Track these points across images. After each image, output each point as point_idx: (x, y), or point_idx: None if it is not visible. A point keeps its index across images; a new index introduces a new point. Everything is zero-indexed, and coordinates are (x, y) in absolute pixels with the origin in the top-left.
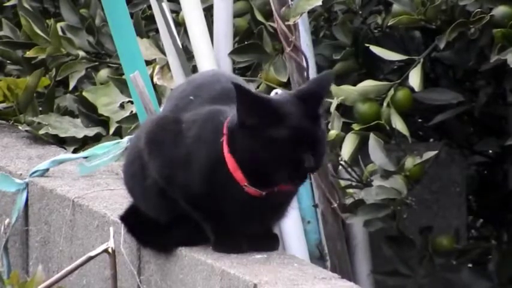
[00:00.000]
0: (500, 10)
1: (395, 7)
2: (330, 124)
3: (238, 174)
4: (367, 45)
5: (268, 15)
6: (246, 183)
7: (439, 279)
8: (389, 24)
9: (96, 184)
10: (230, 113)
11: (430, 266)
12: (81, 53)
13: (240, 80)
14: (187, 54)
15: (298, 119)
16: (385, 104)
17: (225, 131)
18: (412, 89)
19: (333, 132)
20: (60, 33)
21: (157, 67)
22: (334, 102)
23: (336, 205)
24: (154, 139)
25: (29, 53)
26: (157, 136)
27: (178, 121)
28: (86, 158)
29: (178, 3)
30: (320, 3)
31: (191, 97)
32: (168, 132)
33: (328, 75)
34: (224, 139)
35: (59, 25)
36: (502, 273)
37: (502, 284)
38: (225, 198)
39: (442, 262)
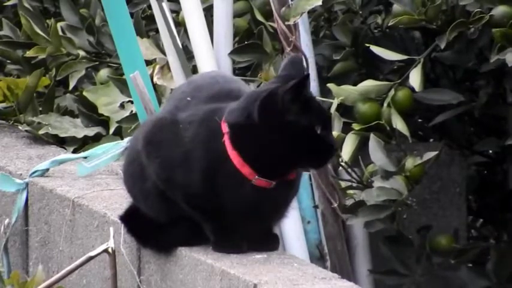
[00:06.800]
0: (499, 10)
1: (396, 7)
2: None
3: (245, 169)
4: (367, 45)
5: (268, 15)
6: (255, 177)
7: (437, 278)
8: (389, 24)
9: (96, 184)
10: (225, 111)
11: (427, 265)
12: (81, 53)
13: (239, 81)
14: (187, 54)
15: (314, 103)
16: (385, 104)
17: (225, 129)
18: (412, 89)
19: (333, 133)
20: (60, 33)
21: (157, 67)
22: (335, 103)
23: (336, 205)
24: (152, 141)
25: (29, 53)
26: (155, 138)
27: (176, 122)
28: (85, 158)
29: (178, 3)
30: (320, 3)
31: (188, 98)
32: (165, 134)
33: (297, 58)
34: (226, 137)
35: (59, 25)
36: (500, 272)
37: (500, 283)
38: (229, 196)
39: (439, 261)
